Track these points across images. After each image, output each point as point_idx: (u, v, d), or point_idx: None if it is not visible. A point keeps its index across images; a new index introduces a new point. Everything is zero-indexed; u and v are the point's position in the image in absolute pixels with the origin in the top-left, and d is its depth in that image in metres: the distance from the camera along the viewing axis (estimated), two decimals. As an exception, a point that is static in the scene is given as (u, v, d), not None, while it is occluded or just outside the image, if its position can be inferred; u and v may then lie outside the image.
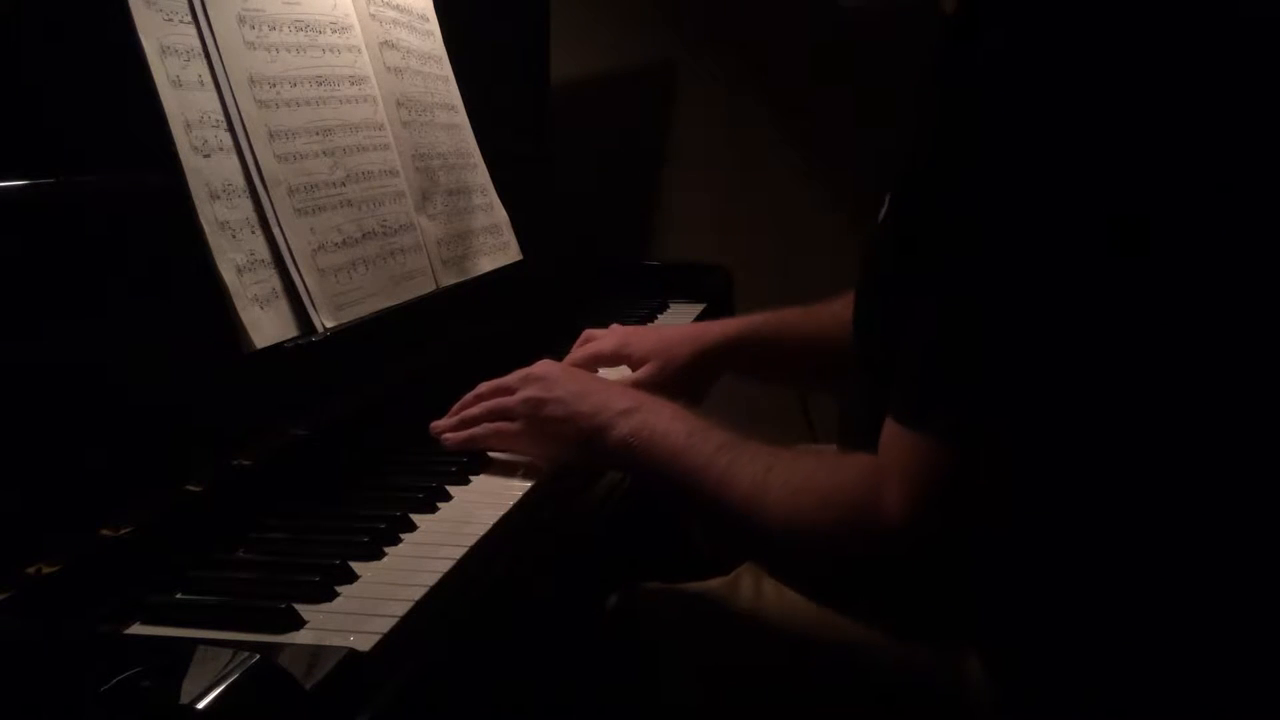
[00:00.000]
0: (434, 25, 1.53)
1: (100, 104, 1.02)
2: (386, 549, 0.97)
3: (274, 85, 1.17)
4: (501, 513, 1.05)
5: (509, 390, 1.16)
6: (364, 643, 0.80)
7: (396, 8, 1.44)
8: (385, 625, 0.83)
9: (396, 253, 1.30)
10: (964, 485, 0.80)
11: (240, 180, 1.09)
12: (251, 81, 1.14)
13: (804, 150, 2.30)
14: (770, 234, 2.32)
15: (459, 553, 0.96)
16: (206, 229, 1.04)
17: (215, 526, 0.96)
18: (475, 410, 1.17)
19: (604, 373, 1.39)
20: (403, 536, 0.99)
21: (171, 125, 1.03)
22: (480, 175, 1.55)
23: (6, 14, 0.96)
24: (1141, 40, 0.78)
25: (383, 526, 0.99)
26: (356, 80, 1.31)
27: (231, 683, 0.67)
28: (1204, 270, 0.80)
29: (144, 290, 1.00)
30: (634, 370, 1.38)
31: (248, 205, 1.09)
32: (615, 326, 1.47)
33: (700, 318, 1.81)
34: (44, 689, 0.69)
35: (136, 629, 0.83)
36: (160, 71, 1.03)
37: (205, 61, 1.09)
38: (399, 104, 1.38)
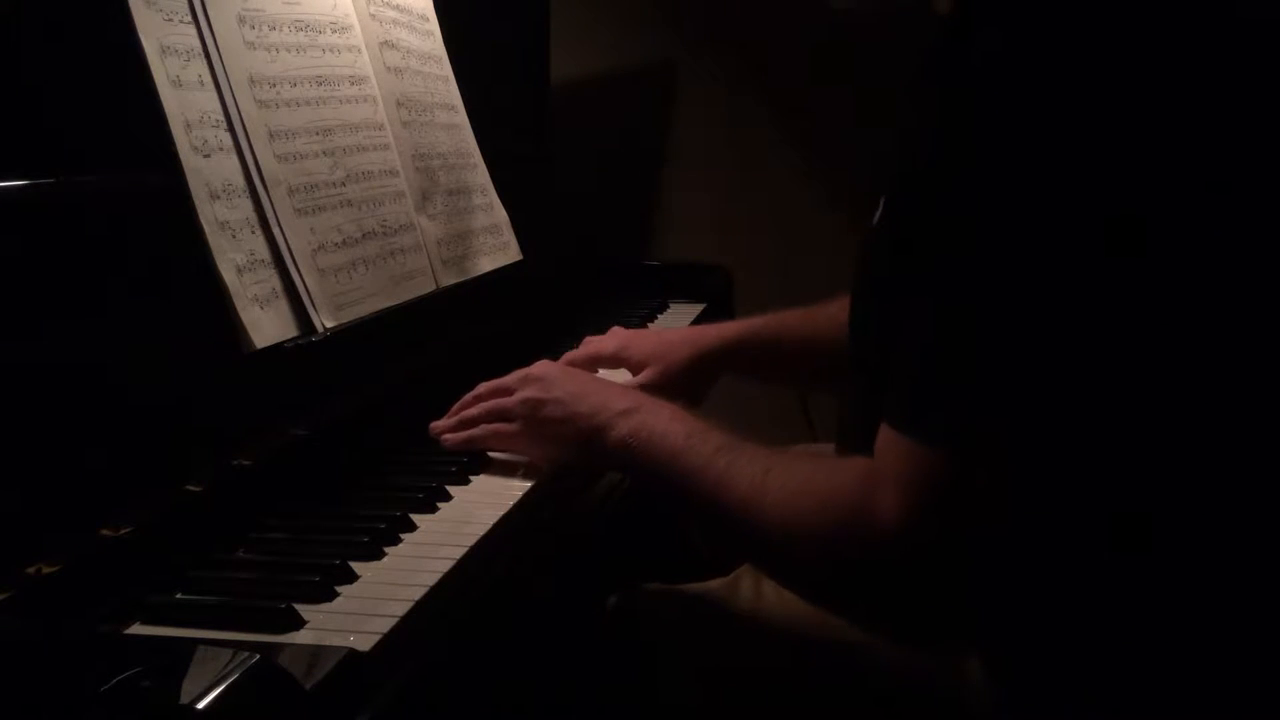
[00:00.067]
0: (434, 25, 1.53)
1: (100, 104, 1.02)
2: (386, 549, 0.97)
3: (274, 85, 1.17)
4: (501, 513, 1.05)
5: (508, 391, 1.16)
6: (364, 643, 0.80)
7: (396, 8, 1.44)
8: (385, 625, 0.83)
9: (396, 253, 1.30)
10: (959, 489, 0.80)
11: (240, 180, 1.09)
12: (251, 81, 1.14)
13: (804, 150, 2.30)
14: (770, 234, 2.32)
15: (459, 553, 0.96)
16: (206, 229, 1.04)
17: (215, 526, 0.96)
18: (474, 411, 1.18)
19: (603, 374, 1.39)
20: (403, 536, 0.99)
21: (171, 125, 1.03)
22: (480, 175, 1.55)
23: (6, 14, 0.96)
24: (1136, 40, 0.78)
25: (383, 526, 0.99)
26: (356, 80, 1.31)
27: (231, 683, 0.67)
28: (1200, 271, 0.80)
29: (144, 290, 1.00)
30: (633, 373, 1.38)
31: (248, 205, 1.09)
32: (616, 329, 1.47)
33: (700, 318, 1.81)
34: (44, 689, 0.69)
35: (136, 629, 0.83)
36: (160, 71, 1.03)
37: (205, 61, 1.09)
38: (399, 104, 1.38)
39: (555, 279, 1.77)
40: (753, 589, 1.16)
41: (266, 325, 1.07)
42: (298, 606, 0.84)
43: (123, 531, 0.87)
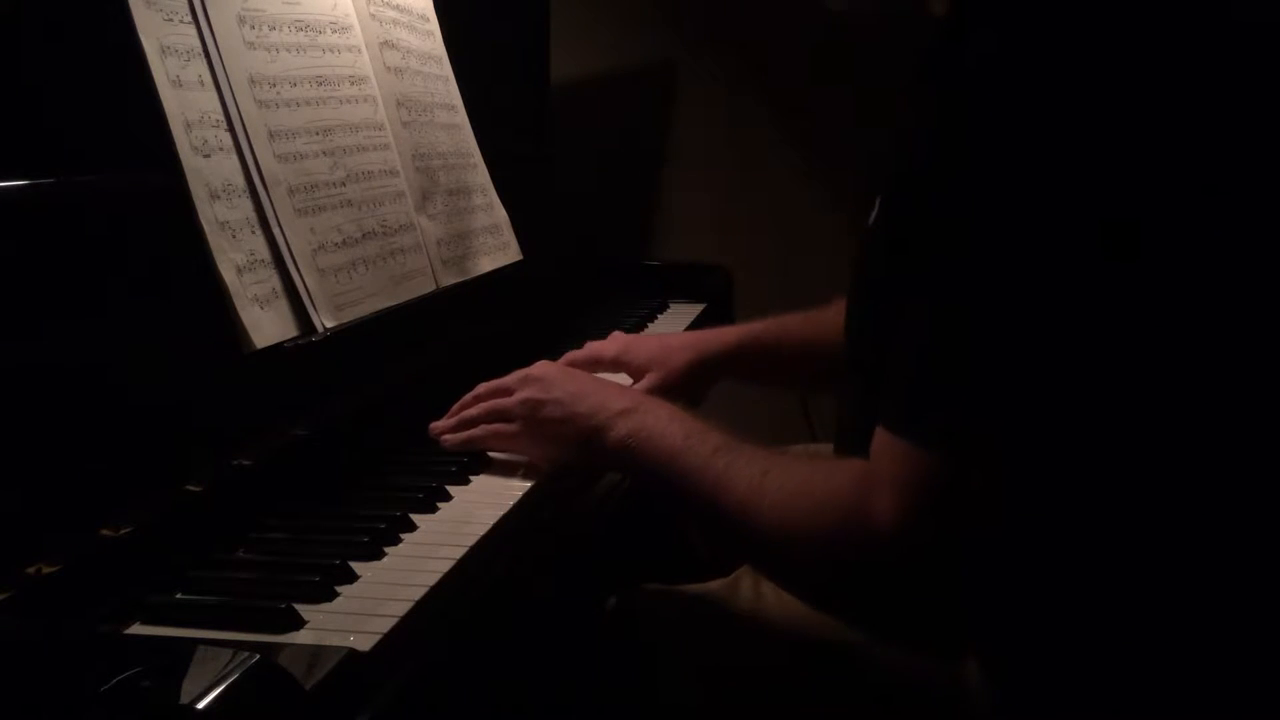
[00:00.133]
0: (434, 25, 1.53)
1: (100, 104, 1.02)
2: (386, 549, 0.97)
3: (274, 85, 1.17)
4: (501, 513, 1.05)
5: (507, 391, 1.16)
6: (364, 643, 0.80)
7: (396, 8, 1.44)
8: (385, 625, 0.83)
9: (396, 253, 1.30)
10: (954, 491, 0.80)
11: (240, 180, 1.09)
12: (251, 81, 1.14)
13: (804, 150, 2.31)
14: (770, 234, 2.32)
15: (459, 553, 0.96)
16: (206, 229, 1.04)
17: (215, 526, 0.96)
18: (474, 411, 1.18)
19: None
20: (403, 536, 0.99)
21: (171, 125, 1.03)
22: (480, 175, 1.55)
23: (6, 14, 0.96)
24: (1130, 42, 0.78)
25: (383, 526, 0.99)
26: (356, 80, 1.31)
27: (231, 683, 0.67)
28: (1193, 273, 0.80)
29: (144, 290, 1.00)
30: (634, 378, 1.38)
31: (248, 205, 1.09)
32: (616, 334, 1.47)
33: (700, 318, 1.81)
34: (44, 689, 0.69)
35: (136, 629, 0.83)
36: (160, 71, 1.03)
37: (205, 61, 1.09)
38: (399, 104, 1.38)
39: (555, 279, 1.77)
40: (752, 590, 1.16)
41: (266, 325, 1.07)
42: (298, 606, 0.84)
43: (123, 531, 0.87)
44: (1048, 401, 0.79)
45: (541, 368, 1.19)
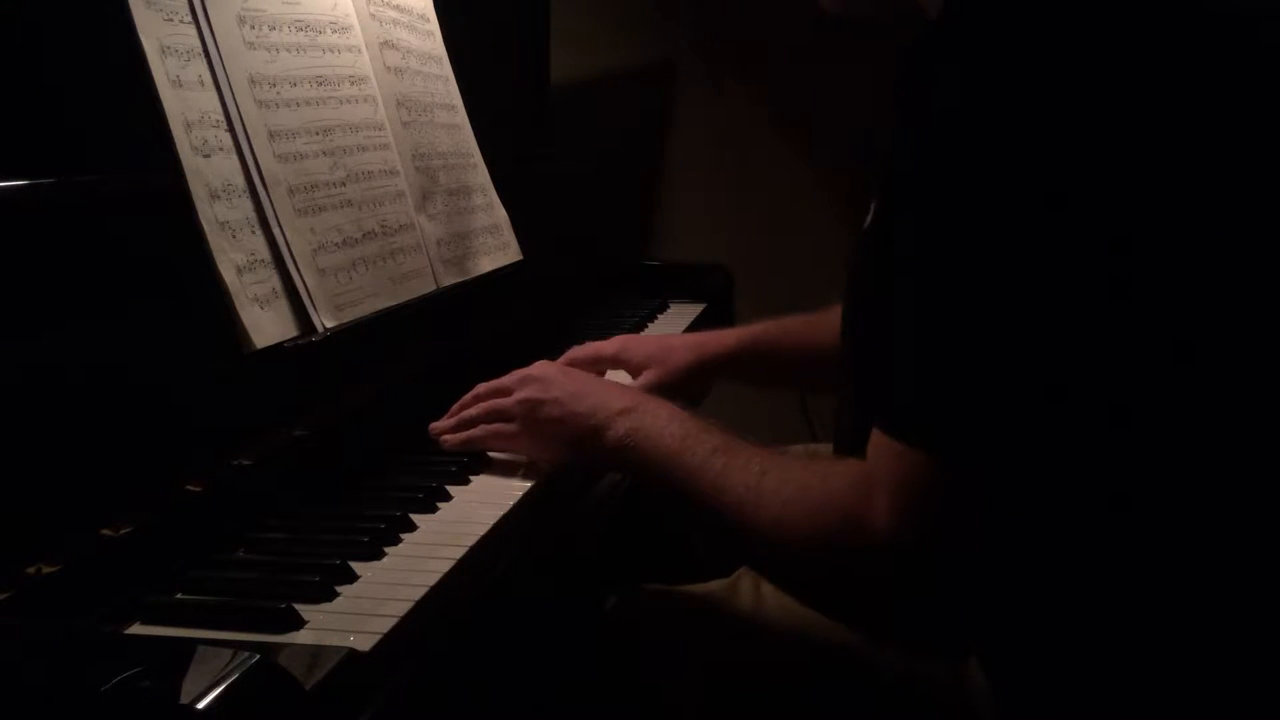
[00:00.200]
0: (434, 25, 1.53)
1: (100, 104, 1.02)
2: (386, 549, 0.97)
3: (274, 85, 1.17)
4: (501, 513, 1.05)
5: (506, 391, 1.16)
6: (364, 643, 0.80)
7: (396, 8, 1.44)
8: (385, 625, 0.83)
9: (396, 253, 1.30)
10: (950, 492, 0.80)
11: (240, 180, 1.09)
12: (251, 81, 1.14)
13: (804, 150, 2.31)
14: (770, 234, 2.32)
15: (459, 553, 0.96)
16: (206, 229, 1.04)
17: (215, 526, 0.96)
18: (473, 411, 1.18)
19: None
20: (403, 536, 0.99)
21: (171, 125, 1.03)
22: (480, 175, 1.55)
23: (7, 14, 0.96)
24: (1119, 38, 0.78)
25: (383, 526, 0.99)
26: (356, 80, 1.31)
27: (231, 683, 0.67)
28: (1181, 275, 0.79)
29: (144, 290, 1.00)
30: (633, 375, 1.38)
31: (248, 205, 1.09)
32: (619, 336, 1.47)
33: (700, 318, 1.81)
34: (44, 689, 0.69)
35: (136, 629, 0.83)
36: (160, 71, 1.03)
37: (205, 61, 1.09)
38: (399, 104, 1.38)
39: (555, 279, 1.77)
40: (752, 590, 1.16)
41: (266, 325, 1.07)
42: (298, 606, 0.84)
43: (123, 531, 0.87)
44: (1042, 401, 0.79)
45: (541, 367, 1.19)
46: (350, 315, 1.18)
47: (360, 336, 1.19)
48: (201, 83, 1.08)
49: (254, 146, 1.11)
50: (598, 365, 1.40)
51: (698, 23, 2.33)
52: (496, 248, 1.54)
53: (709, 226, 2.37)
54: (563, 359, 1.38)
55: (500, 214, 1.57)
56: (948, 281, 0.80)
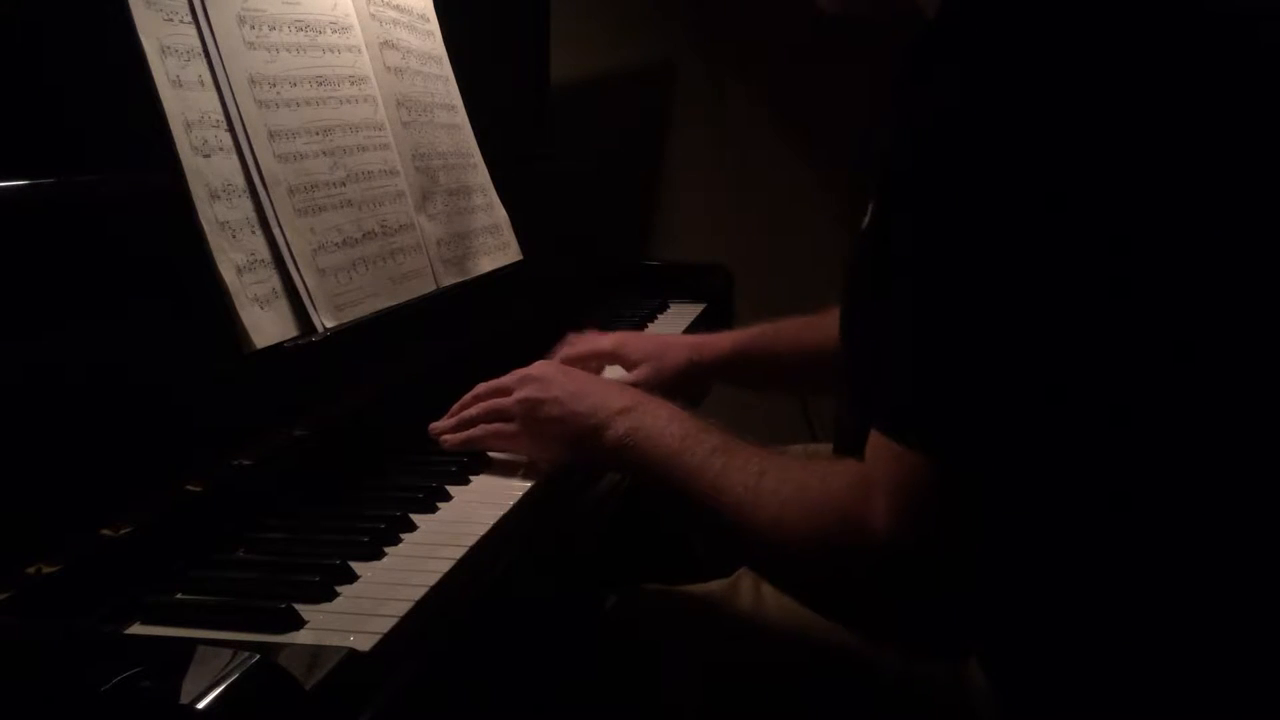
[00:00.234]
0: (434, 25, 1.53)
1: (100, 104, 1.02)
2: (386, 549, 0.97)
3: (274, 85, 1.17)
4: (501, 513, 1.05)
5: (506, 391, 1.16)
6: (364, 643, 0.80)
7: (396, 8, 1.44)
8: (385, 625, 0.83)
9: (396, 253, 1.30)
10: (948, 493, 0.80)
11: (240, 180, 1.09)
12: (251, 81, 1.14)
13: (804, 150, 2.31)
14: (770, 234, 2.32)
15: (459, 553, 0.96)
16: (206, 229, 1.04)
17: (215, 526, 0.96)
18: (473, 411, 1.18)
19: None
20: (403, 536, 0.99)
21: (171, 125, 1.03)
22: (480, 175, 1.55)
23: (7, 14, 0.96)
24: (1113, 38, 0.78)
25: (383, 526, 0.99)
26: (356, 80, 1.31)
27: (231, 683, 0.67)
28: (1181, 275, 0.79)
29: (144, 290, 1.00)
30: (627, 370, 1.38)
31: (248, 205, 1.09)
32: (618, 332, 1.47)
33: (700, 318, 1.81)
34: (44, 689, 0.69)
35: (136, 629, 0.83)
36: (160, 71, 1.03)
37: (205, 61, 1.09)
38: (399, 104, 1.38)
39: (555, 279, 1.77)
40: (753, 590, 1.16)
41: (266, 325, 1.07)
42: (298, 606, 0.84)
43: (123, 531, 0.87)
44: (1039, 402, 0.79)
45: (540, 367, 1.19)
46: (350, 315, 1.18)
47: (360, 336, 1.19)
48: (201, 83, 1.08)
49: (254, 146, 1.11)
50: (595, 358, 1.40)
51: (698, 23, 2.33)
52: (496, 248, 1.54)
53: (709, 226, 2.37)
54: (560, 345, 1.39)
55: (500, 214, 1.57)
56: (945, 282, 0.80)
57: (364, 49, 1.34)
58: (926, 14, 0.94)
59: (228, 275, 1.04)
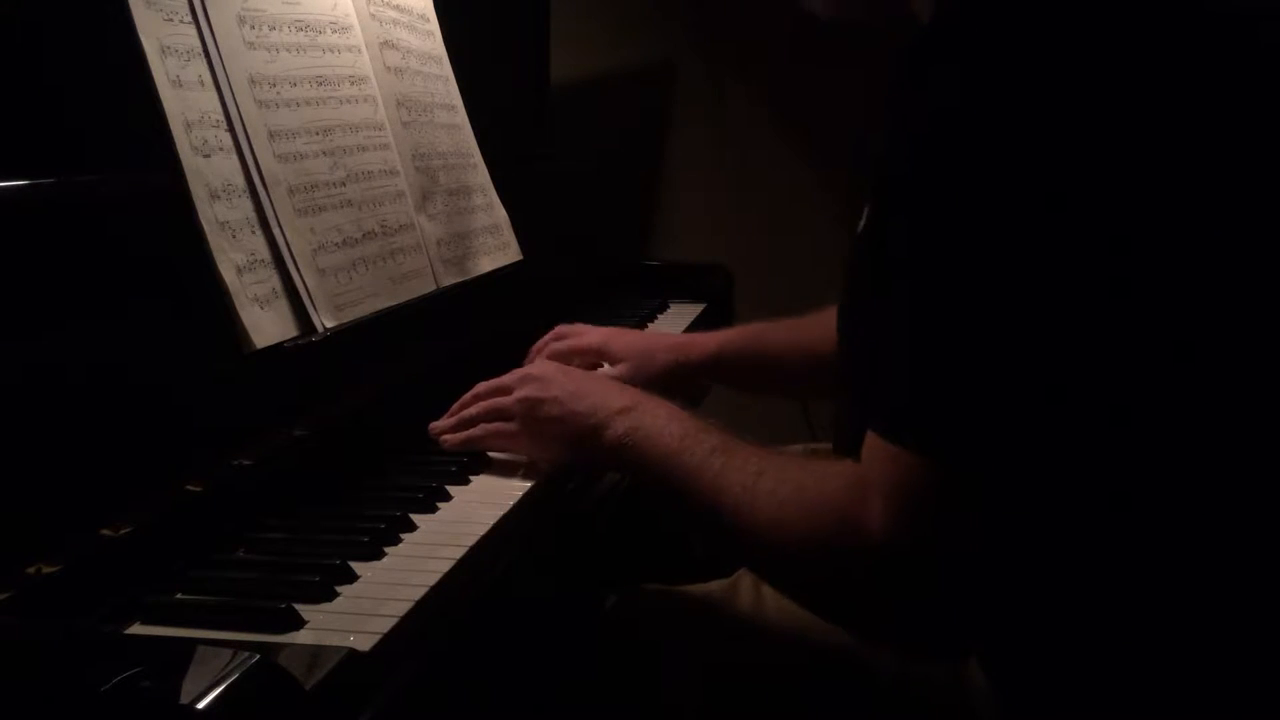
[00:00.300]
0: (434, 25, 1.53)
1: (100, 104, 1.02)
2: (386, 549, 0.97)
3: (274, 85, 1.17)
4: (501, 513, 1.05)
5: (506, 390, 1.16)
6: (364, 643, 0.80)
7: (396, 8, 1.44)
8: (385, 625, 0.83)
9: (396, 253, 1.30)
10: (944, 495, 0.80)
11: (240, 180, 1.09)
12: (251, 81, 1.14)
13: (804, 150, 2.31)
14: (770, 234, 2.32)
15: (459, 553, 0.96)
16: (206, 229, 1.04)
17: (215, 526, 0.96)
18: (473, 410, 1.18)
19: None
20: (403, 536, 0.99)
21: (171, 125, 1.03)
22: (480, 175, 1.55)
23: (7, 14, 0.96)
24: (1113, 46, 0.78)
25: (383, 526, 0.99)
26: (356, 80, 1.31)
27: (231, 683, 0.67)
28: (1181, 275, 0.79)
29: (144, 290, 1.00)
30: (612, 367, 1.38)
31: (248, 205, 1.09)
32: (605, 328, 1.47)
33: (700, 318, 1.81)
34: (44, 689, 0.69)
35: (136, 629, 0.83)
36: (160, 71, 1.03)
37: (205, 61, 1.09)
38: (399, 104, 1.38)
39: (555, 279, 1.77)
40: (753, 591, 1.16)
41: (266, 325, 1.07)
42: (298, 606, 0.84)
43: (123, 531, 0.87)
44: (1036, 403, 0.79)
45: (540, 367, 1.20)
46: (350, 315, 1.18)
47: (360, 336, 1.19)
48: (201, 83, 1.08)
49: (254, 146, 1.11)
50: (581, 354, 1.39)
51: (698, 23, 2.33)
52: (496, 248, 1.54)
53: (709, 226, 2.37)
54: (549, 336, 1.39)
55: (500, 214, 1.57)
56: (941, 283, 0.80)
57: (364, 49, 1.34)
58: (920, 17, 0.94)
59: (228, 275, 1.04)
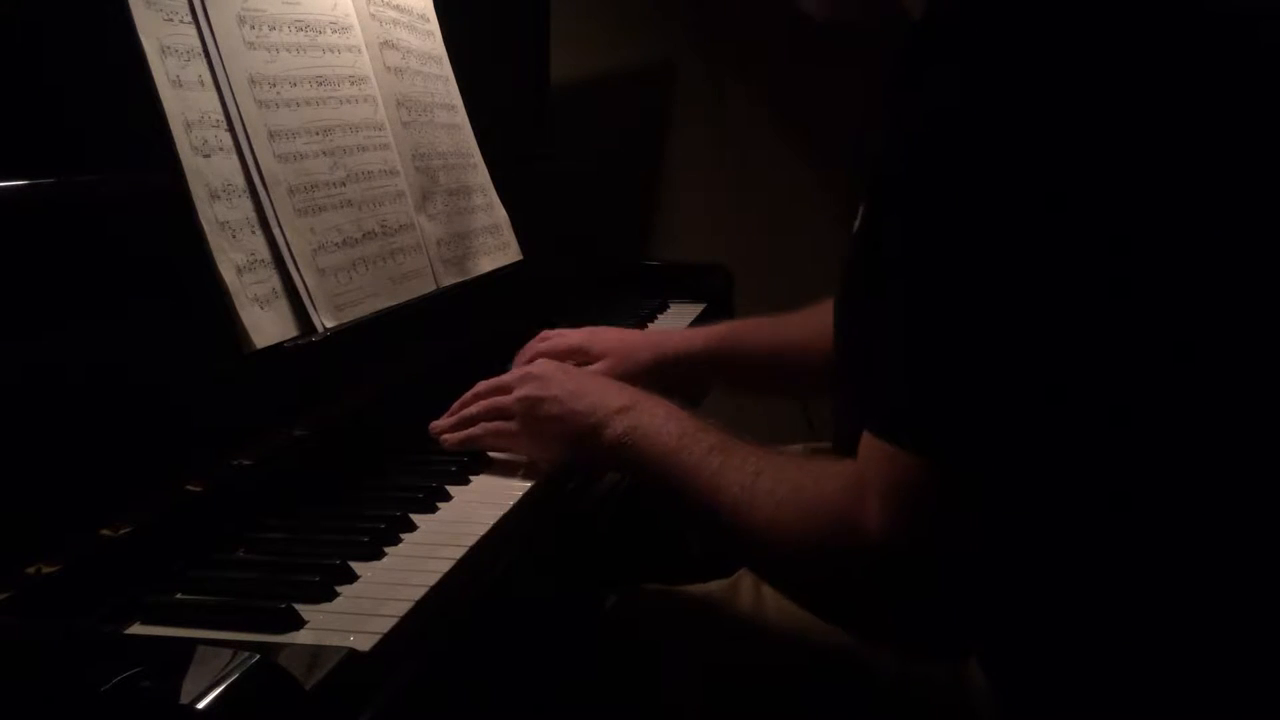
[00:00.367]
0: (434, 25, 1.53)
1: (100, 104, 1.02)
2: (386, 549, 0.97)
3: (274, 85, 1.17)
4: (501, 513, 1.05)
5: (506, 389, 1.16)
6: (364, 643, 0.80)
7: (396, 8, 1.44)
8: (385, 625, 0.83)
9: (396, 253, 1.30)
10: (942, 496, 0.80)
11: (240, 180, 1.09)
12: (251, 81, 1.14)
13: (804, 150, 2.31)
14: (770, 234, 2.32)
15: (459, 553, 0.96)
16: (206, 229, 1.04)
17: (215, 526, 0.96)
18: (473, 409, 1.18)
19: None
20: (403, 536, 0.99)
21: (171, 125, 1.03)
22: (480, 175, 1.55)
23: (7, 14, 0.96)
24: (1112, 46, 0.78)
25: (383, 526, 0.99)
26: (356, 80, 1.31)
27: (231, 683, 0.67)
28: (1181, 275, 0.79)
29: (144, 290, 1.00)
30: (591, 364, 1.38)
31: (248, 205, 1.09)
32: (587, 327, 1.47)
33: (700, 318, 1.81)
34: (44, 689, 0.69)
35: (136, 629, 0.83)
36: (160, 71, 1.03)
37: (205, 61, 1.09)
38: (399, 104, 1.38)
39: (555, 279, 1.77)
40: (753, 591, 1.16)
41: (266, 325, 1.07)
42: (298, 606, 0.84)
43: (123, 531, 0.87)
44: (1034, 402, 0.79)
45: (540, 366, 1.19)
46: (350, 315, 1.18)
47: (360, 336, 1.19)
48: (201, 83, 1.08)
49: (254, 146, 1.11)
50: (563, 355, 1.39)
51: (698, 23, 2.33)
52: (496, 248, 1.54)
53: (709, 226, 2.37)
54: (533, 340, 1.39)
55: (500, 214, 1.57)
56: (938, 283, 0.80)
57: (364, 49, 1.34)
58: (912, 15, 0.94)
59: (228, 275, 1.04)
